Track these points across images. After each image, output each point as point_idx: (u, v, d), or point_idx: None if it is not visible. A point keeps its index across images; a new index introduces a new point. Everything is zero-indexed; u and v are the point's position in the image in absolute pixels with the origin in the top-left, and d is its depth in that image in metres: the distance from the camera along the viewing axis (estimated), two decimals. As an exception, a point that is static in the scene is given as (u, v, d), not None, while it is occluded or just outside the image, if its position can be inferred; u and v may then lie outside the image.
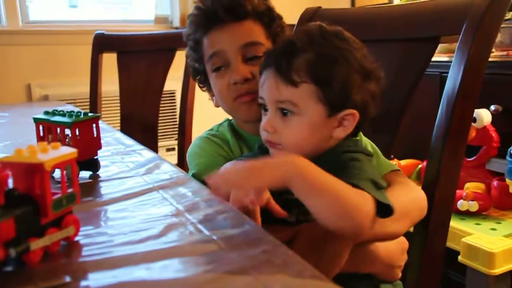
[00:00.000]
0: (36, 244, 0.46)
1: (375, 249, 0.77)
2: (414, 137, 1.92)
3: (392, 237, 0.77)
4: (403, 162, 1.85)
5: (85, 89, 2.06)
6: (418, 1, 1.13)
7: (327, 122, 0.73)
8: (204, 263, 0.45)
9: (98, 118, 0.82)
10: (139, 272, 0.44)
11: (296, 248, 0.66)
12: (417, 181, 1.79)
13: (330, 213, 0.61)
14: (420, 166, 1.81)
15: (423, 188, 0.87)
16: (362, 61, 0.74)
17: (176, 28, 2.65)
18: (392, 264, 0.80)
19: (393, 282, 0.83)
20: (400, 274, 0.83)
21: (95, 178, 0.79)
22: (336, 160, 0.71)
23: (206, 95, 1.03)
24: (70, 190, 0.52)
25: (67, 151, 0.52)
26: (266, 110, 0.77)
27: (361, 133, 0.86)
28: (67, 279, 0.43)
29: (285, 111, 0.73)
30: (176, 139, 2.39)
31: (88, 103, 2.04)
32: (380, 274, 0.80)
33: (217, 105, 0.96)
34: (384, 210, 0.65)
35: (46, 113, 0.86)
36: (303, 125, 0.73)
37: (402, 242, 0.82)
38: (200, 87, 1.01)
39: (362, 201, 0.62)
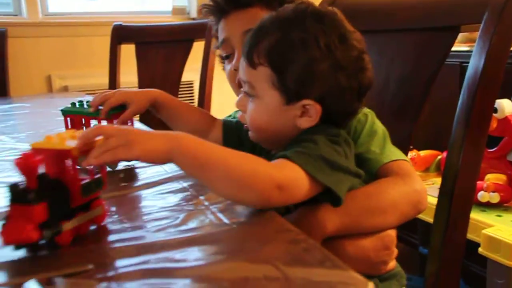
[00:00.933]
0: (67, 226, 0.48)
1: (341, 245, 0.70)
2: (433, 128, 1.90)
3: (376, 230, 0.73)
4: (422, 152, 1.83)
5: (104, 80, 2.08)
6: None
7: (286, 109, 0.68)
8: (224, 251, 0.46)
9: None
10: (159, 260, 0.44)
11: None
12: (437, 172, 1.77)
13: (222, 185, 0.56)
14: (439, 157, 1.80)
15: (443, 179, 0.87)
16: (336, 50, 0.66)
17: (193, 19, 2.65)
18: (367, 260, 0.73)
19: (378, 275, 0.76)
20: (386, 268, 0.76)
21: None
22: (291, 144, 0.66)
23: (224, 86, 1.06)
24: (97, 176, 0.54)
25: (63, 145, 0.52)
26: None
27: (373, 115, 0.82)
28: (90, 266, 0.44)
29: (248, 94, 0.72)
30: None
31: (107, 94, 2.06)
32: (358, 270, 0.73)
33: None
34: (333, 195, 0.61)
35: (73, 104, 0.85)
36: (261, 109, 0.70)
37: (384, 237, 0.74)
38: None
39: (263, 169, 0.57)
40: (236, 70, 0.89)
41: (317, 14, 0.68)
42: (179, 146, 0.55)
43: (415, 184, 0.76)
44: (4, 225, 0.46)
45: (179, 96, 1.93)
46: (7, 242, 0.46)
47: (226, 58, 0.93)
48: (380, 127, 0.81)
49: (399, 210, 0.73)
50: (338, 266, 0.39)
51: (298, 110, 0.68)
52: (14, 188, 0.47)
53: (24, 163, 0.46)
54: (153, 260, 0.44)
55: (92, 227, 0.54)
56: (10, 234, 0.45)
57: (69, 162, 0.50)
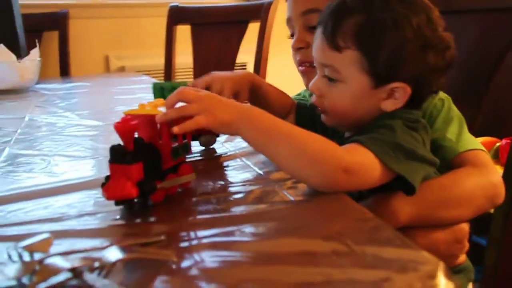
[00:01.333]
0: (160, 185, 0.53)
1: (411, 236, 0.69)
2: (491, 114, 1.83)
3: (449, 222, 0.71)
4: (480, 139, 1.77)
5: (160, 60, 2.12)
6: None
7: (373, 93, 0.67)
8: (290, 228, 0.46)
9: None
10: (229, 233, 0.45)
11: None
12: (494, 160, 1.71)
13: (288, 160, 0.55)
14: (498, 144, 1.73)
15: (505, 168, 0.84)
16: (423, 28, 0.65)
17: (248, 0, 2.65)
18: (437, 253, 0.70)
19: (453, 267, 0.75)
20: (456, 262, 0.76)
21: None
22: (366, 130, 0.64)
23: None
24: (184, 141, 0.59)
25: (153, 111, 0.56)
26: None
27: (449, 100, 0.79)
28: (162, 237, 0.45)
29: (329, 78, 0.69)
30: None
31: (162, 75, 2.11)
32: None
33: None
34: (406, 183, 0.59)
35: (162, 90, 0.78)
36: (346, 94, 0.68)
37: (457, 231, 0.73)
38: None
39: (331, 150, 0.55)
40: (294, 49, 0.89)
41: None
42: (247, 118, 0.56)
43: (492, 176, 0.73)
44: (106, 183, 0.50)
45: (233, 77, 1.94)
46: (109, 198, 0.50)
47: (292, 35, 0.92)
48: (456, 113, 0.79)
49: (474, 203, 0.71)
50: (408, 245, 0.39)
51: (384, 93, 0.67)
52: (114, 149, 0.51)
53: (122, 127, 0.50)
54: (222, 234, 0.46)
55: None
56: (113, 191, 0.49)
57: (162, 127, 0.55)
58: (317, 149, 0.55)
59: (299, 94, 1.03)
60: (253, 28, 1.86)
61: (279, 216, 0.49)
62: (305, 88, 1.00)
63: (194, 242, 0.44)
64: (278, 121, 0.57)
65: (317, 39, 0.70)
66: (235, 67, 1.92)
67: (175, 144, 0.57)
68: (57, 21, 2.31)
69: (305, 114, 0.87)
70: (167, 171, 0.55)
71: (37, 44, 1.70)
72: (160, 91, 0.77)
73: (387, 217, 0.64)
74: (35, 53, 1.66)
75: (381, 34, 0.64)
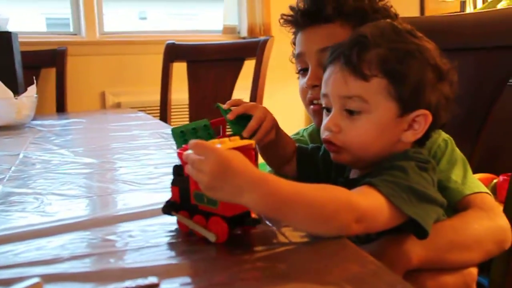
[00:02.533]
0: (178, 216, 0.57)
1: (420, 279, 0.67)
2: (488, 149, 1.84)
3: (459, 266, 0.70)
4: (477, 176, 1.76)
5: (156, 97, 2.14)
6: (491, 9, 1.09)
7: (397, 123, 0.68)
8: (289, 272, 0.45)
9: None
10: (225, 277, 0.44)
11: None
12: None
13: (302, 223, 0.53)
14: (495, 181, 1.73)
15: (505, 205, 0.83)
16: (436, 60, 0.69)
17: (244, 38, 2.70)
18: None
19: None
20: None
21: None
22: (378, 171, 0.64)
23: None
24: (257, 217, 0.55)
25: (244, 141, 0.56)
26: (328, 110, 0.72)
27: (452, 141, 0.80)
28: (156, 280, 0.44)
29: (351, 110, 0.68)
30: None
31: (158, 111, 2.12)
32: None
33: None
34: (418, 226, 0.59)
35: (182, 134, 0.74)
36: (371, 125, 0.67)
37: (466, 275, 0.72)
38: None
39: (344, 203, 0.53)
40: (307, 87, 0.87)
41: (409, 30, 0.71)
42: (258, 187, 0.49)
43: (500, 220, 0.73)
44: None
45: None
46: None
47: (302, 71, 0.91)
48: (459, 155, 0.79)
49: (484, 247, 0.70)
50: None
51: (406, 123, 0.68)
52: (175, 170, 0.57)
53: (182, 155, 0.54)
54: (217, 278, 0.45)
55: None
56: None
57: None
58: (330, 206, 0.52)
59: (297, 134, 1.00)
60: (248, 65, 1.88)
61: (278, 260, 0.48)
62: (303, 127, 1.00)
63: (190, 286, 0.43)
64: (286, 184, 0.51)
65: (337, 73, 0.69)
66: (231, 104, 1.93)
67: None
68: (55, 58, 2.33)
69: (307, 160, 0.85)
70: (198, 210, 0.54)
71: (35, 81, 1.71)
72: (181, 136, 0.73)
73: (398, 259, 0.64)
74: (32, 89, 1.67)
75: (404, 61, 0.67)
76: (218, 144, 0.53)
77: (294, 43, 0.94)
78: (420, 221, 0.58)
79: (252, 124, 0.74)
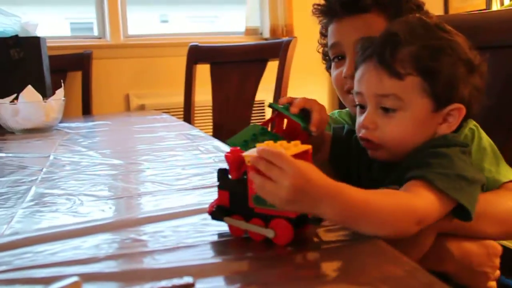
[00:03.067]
0: (228, 221, 0.55)
1: (446, 244, 0.70)
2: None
3: (484, 237, 0.71)
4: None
5: (179, 99, 2.16)
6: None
7: (432, 117, 0.70)
8: (325, 274, 0.45)
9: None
10: (260, 277, 0.45)
11: None
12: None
13: (365, 228, 0.53)
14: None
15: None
16: (467, 53, 0.70)
17: (266, 39, 2.70)
18: (470, 266, 0.71)
19: None
20: (490, 283, 0.74)
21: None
22: (420, 157, 0.66)
23: None
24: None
25: (303, 146, 0.54)
26: (362, 107, 0.74)
27: (479, 129, 0.79)
28: (191, 280, 0.45)
29: (387, 108, 0.70)
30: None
31: (182, 113, 2.14)
32: (458, 276, 0.71)
33: None
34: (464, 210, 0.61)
35: (246, 143, 0.73)
36: (407, 121, 0.69)
37: (489, 247, 0.73)
38: (328, 72, 1.02)
39: (405, 209, 0.56)
40: (346, 77, 0.88)
41: (438, 24, 0.72)
42: (330, 195, 0.50)
43: None
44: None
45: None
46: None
47: (337, 59, 0.91)
48: (487, 142, 0.78)
49: (506, 226, 0.71)
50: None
51: (441, 117, 0.70)
52: (220, 173, 0.56)
53: (231, 157, 0.54)
54: (252, 278, 0.45)
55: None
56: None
57: None
58: (397, 213, 0.55)
59: (332, 113, 1.02)
60: (272, 66, 1.89)
61: (312, 261, 0.48)
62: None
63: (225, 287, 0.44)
64: (356, 193, 0.52)
65: (371, 72, 0.71)
66: (254, 105, 1.94)
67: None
68: (81, 62, 2.37)
69: (341, 147, 0.85)
70: (254, 214, 0.53)
71: (62, 84, 1.75)
72: (244, 145, 0.72)
73: None
74: (60, 93, 1.70)
75: (436, 58, 0.68)
76: (280, 148, 0.51)
77: (322, 34, 0.96)
78: (470, 208, 0.60)
79: (316, 117, 0.76)
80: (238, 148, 0.56)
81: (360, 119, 0.73)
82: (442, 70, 0.68)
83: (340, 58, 0.91)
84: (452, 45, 0.69)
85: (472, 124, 0.79)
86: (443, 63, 0.68)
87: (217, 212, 0.56)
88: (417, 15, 0.77)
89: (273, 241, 0.52)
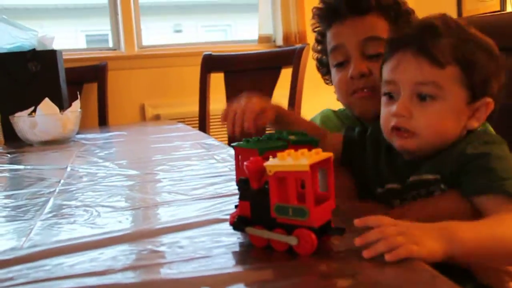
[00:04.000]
0: (250, 231, 0.55)
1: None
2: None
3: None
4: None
5: (194, 108, 2.17)
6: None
7: (466, 109, 0.71)
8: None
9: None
10: None
11: (403, 214, 0.67)
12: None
13: (501, 261, 0.59)
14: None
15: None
16: (497, 51, 0.73)
17: (279, 46, 2.70)
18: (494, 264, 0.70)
19: None
20: (511, 284, 0.71)
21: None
22: (461, 158, 0.67)
23: (311, 110, 1.06)
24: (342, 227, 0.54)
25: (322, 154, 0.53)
26: (392, 97, 0.74)
27: (489, 127, 0.81)
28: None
29: (423, 96, 0.70)
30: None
31: (197, 122, 2.14)
32: (482, 273, 0.69)
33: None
34: None
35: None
36: (443, 111, 0.70)
37: None
38: (324, 79, 1.03)
39: None
40: (353, 77, 0.88)
41: (465, 25, 0.74)
42: (455, 245, 0.52)
43: None
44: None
45: (267, 122, 1.96)
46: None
47: (339, 65, 0.92)
48: (497, 137, 0.77)
49: None
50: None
51: (472, 110, 0.72)
52: (241, 183, 0.56)
53: (252, 167, 0.53)
54: (269, 285, 0.45)
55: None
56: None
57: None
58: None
59: (339, 109, 1.02)
60: (286, 74, 1.88)
61: (335, 271, 0.47)
62: None
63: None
64: (479, 229, 0.56)
65: (409, 60, 0.71)
66: (269, 113, 1.93)
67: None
68: (96, 73, 2.40)
69: (354, 148, 0.85)
70: (276, 224, 0.52)
71: (78, 96, 1.77)
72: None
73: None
74: (76, 104, 1.72)
75: (474, 50, 0.70)
76: (302, 157, 0.51)
77: (319, 41, 0.97)
78: None
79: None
80: (260, 158, 0.54)
81: (391, 108, 0.73)
82: (479, 63, 0.70)
83: (343, 63, 0.91)
84: (484, 42, 0.72)
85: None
86: (479, 57, 0.70)
87: (238, 222, 0.55)
88: (441, 13, 0.77)
89: (296, 250, 0.51)
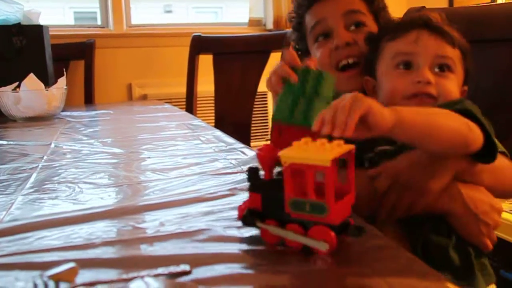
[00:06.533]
0: (262, 225, 0.51)
1: (456, 185, 0.73)
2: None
3: (477, 182, 0.74)
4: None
5: (182, 89, 2.16)
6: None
7: (461, 89, 0.82)
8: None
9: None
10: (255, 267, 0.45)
11: (395, 166, 0.71)
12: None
13: (437, 146, 0.64)
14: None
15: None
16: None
17: (269, 30, 2.69)
18: (474, 211, 0.72)
19: (481, 247, 0.74)
20: (487, 242, 0.74)
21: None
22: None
23: None
24: (360, 225, 0.50)
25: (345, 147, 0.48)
26: (407, 68, 0.79)
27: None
28: (188, 268, 0.45)
29: (443, 67, 0.78)
30: (267, 140, 2.43)
31: (184, 103, 2.13)
32: (460, 221, 0.72)
33: None
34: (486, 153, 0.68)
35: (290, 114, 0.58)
36: (455, 82, 0.79)
37: (493, 200, 0.75)
38: None
39: (464, 121, 0.65)
40: (338, 47, 0.90)
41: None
42: (401, 120, 0.57)
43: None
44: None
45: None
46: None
47: (323, 37, 0.93)
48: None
49: (502, 178, 0.76)
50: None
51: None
52: (251, 173, 0.52)
53: (263, 157, 0.51)
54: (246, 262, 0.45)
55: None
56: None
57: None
58: (456, 128, 0.65)
59: None
60: (275, 58, 1.88)
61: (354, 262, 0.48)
62: None
63: (220, 274, 0.44)
64: (422, 113, 0.62)
65: (428, 36, 0.79)
66: (256, 96, 1.93)
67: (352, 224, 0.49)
68: (83, 51, 2.37)
69: None
70: (291, 219, 0.48)
71: (65, 73, 1.74)
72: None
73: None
74: (62, 81, 1.70)
75: (465, 42, 0.81)
76: (323, 151, 0.46)
77: (296, 28, 0.99)
78: (498, 148, 0.69)
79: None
80: (271, 145, 0.51)
81: (410, 76, 0.78)
82: (468, 53, 0.81)
83: (326, 35, 0.93)
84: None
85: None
86: (468, 47, 0.81)
87: (248, 216, 0.51)
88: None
89: (312, 249, 0.47)
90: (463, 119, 0.66)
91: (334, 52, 0.91)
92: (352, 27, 0.91)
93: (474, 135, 0.66)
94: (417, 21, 0.82)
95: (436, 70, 0.78)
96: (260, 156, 0.51)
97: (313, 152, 0.46)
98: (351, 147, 0.48)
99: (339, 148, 0.47)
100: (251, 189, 0.51)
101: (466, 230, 0.73)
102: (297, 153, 0.47)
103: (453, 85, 0.78)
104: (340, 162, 0.48)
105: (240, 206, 0.53)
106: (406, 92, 0.78)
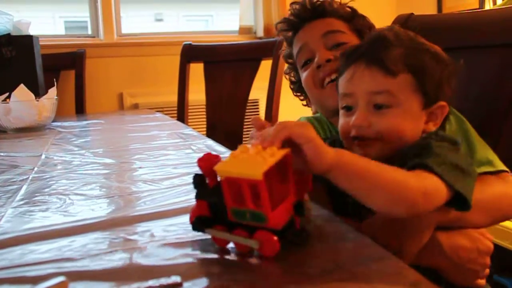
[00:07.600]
0: (210, 232, 0.52)
1: (438, 238, 0.71)
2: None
3: (467, 225, 0.73)
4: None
5: (173, 98, 2.15)
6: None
7: (421, 114, 0.73)
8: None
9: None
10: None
11: (371, 225, 0.68)
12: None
13: (377, 197, 0.56)
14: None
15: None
16: (446, 59, 0.75)
17: (260, 38, 2.70)
18: (459, 262, 0.72)
19: (473, 286, 0.75)
20: (479, 281, 0.75)
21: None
22: (414, 150, 0.67)
23: (290, 104, 1.08)
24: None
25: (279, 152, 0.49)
26: (349, 109, 0.74)
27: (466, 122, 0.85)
28: (179, 280, 0.45)
29: (379, 105, 0.71)
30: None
31: (175, 112, 2.13)
32: (448, 272, 0.73)
33: (315, 112, 1.02)
34: (461, 200, 0.62)
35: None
36: (400, 117, 0.71)
37: (480, 244, 0.74)
38: (298, 96, 1.07)
39: (413, 180, 0.58)
40: (319, 66, 0.93)
41: (415, 34, 0.77)
42: (341, 160, 0.53)
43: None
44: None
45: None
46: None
47: (308, 62, 0.97)
48: (475, 132, 0.84)
49: (499, 210, 0.74)
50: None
51: (427, 115, 0.73)
52: (197, 180, 0.53)
53: (205, 166, 0.51)
54: (238, 275, 0.45)
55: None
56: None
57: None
58: (402, 182, 0.57)
59: (316, 115, 1.03)
60: (265, 65, 1.89)
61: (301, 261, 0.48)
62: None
63: (212, 285, 0.44)
64: (364, 160, 0.56)
65: (363, 71, 0.72)
66: (248, 104, 1.93)
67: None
68: (74, 61, 2.37)
69: None
70: (238, 224, 0.50)
71: (55, 83, 1.74)
72: None
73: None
74: (52, 92, 1.69)
75: (423, 58, 0.72)
76: (256, 163, 0.47)
77: (288, 59, 1.04)
78: (468, 196, 0.62)
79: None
80: (211, 154, 0.53)
81: (349, 118, 0.74)
82: (430, 70, 0.72)
83: (309, 60, 0.96)
84: (433, 50, 0.74)
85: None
86: (429, 64, 0.72)
87: (197, 223, 0.53)
88: (391, 25, 0.82)
89: (259, 252, 0.49)
90: (419, 180, 0.59)
91: (316, 72, 0.93)
92: (334, 48, 0.94)
93: (429, 192, 0.59)
94: (357, 52, 0.75)
95: (373, 108, 0.72)
96: (200, 166, 0.52)
97: (246, 165, 0.47)
98: (286, 150, 0.50)
99: (271, 158, 0.47)
100: (197, 197, 0.53)
101: (453, 278, 0.73)
102: (231, 167, 0.48)
103: (395, 120, 0.71)
104: None
105: (193, 208, 0.54)
106: (348, 137, 0.75)
